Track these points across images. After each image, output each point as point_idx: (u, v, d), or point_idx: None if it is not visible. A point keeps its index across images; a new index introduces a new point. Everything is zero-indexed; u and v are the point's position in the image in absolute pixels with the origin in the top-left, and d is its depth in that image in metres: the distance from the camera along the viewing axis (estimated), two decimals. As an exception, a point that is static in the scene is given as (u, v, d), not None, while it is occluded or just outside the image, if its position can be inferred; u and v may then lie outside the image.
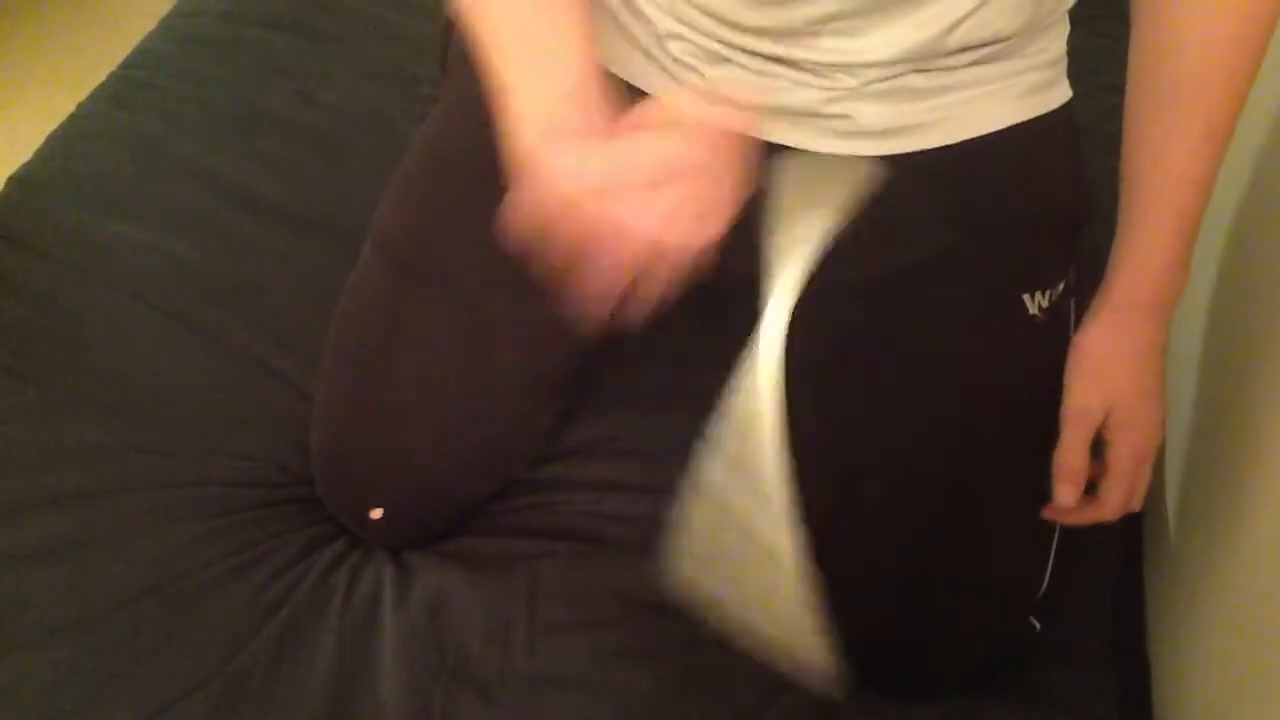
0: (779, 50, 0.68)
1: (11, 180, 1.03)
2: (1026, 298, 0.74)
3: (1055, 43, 0.74)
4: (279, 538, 0.81)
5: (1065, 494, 0.72)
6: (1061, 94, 0.75)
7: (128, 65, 1.18)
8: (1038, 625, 0.78)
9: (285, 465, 0.85)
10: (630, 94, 0.73)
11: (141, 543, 0.79)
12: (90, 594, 0.75)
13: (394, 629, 0.76)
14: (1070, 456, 0.72)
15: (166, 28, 1.24)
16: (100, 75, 1.16)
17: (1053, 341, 0.75)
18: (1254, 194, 0.82)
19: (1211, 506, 0.78)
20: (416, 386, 0.79)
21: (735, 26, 0.67)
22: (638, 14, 0.72)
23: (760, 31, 0.67)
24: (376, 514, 0.80)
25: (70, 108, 1.12)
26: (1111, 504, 0.72)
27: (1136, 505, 0.73)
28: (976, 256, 0.74)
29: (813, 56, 0.68)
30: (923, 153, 0.72)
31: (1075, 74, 0.81)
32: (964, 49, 0.68)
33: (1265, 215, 0.79)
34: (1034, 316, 0.74)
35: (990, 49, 0.69)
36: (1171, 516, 0.86)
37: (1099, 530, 0.85)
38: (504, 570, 0.80)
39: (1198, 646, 0.75)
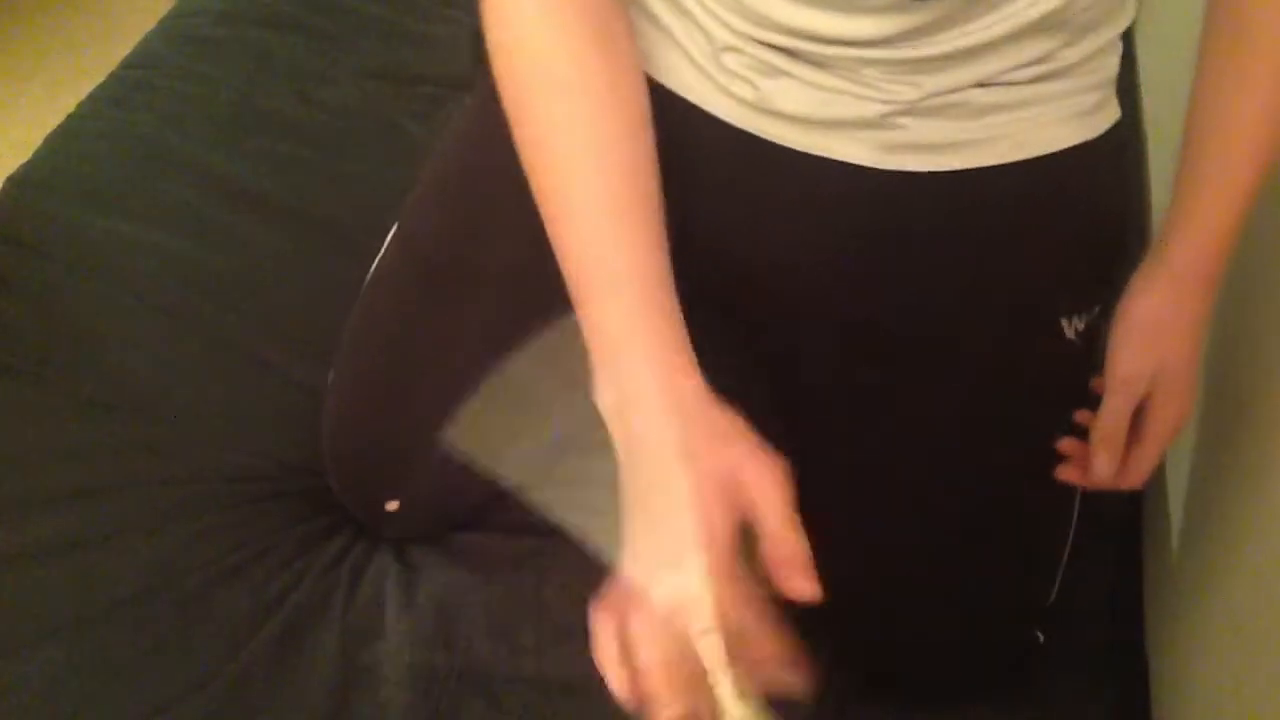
0: (860, 54, 0.66)
1: (11, 180, 1.03)
2: (1064, 321, 0.73)
3: (1111, 60, 0.73)
4: (280, 533, 0.81)
5: (1105, 463, 0.70)
6: (1112, 113, 0.74)
7: (128, 65, 1.18)
8: (1042, 637, 0.77)
9: (285, 460, 0.85)
10: (675, 101, 0.72)
11: (141, 541, 0.79)
12: (90, 594, 0.75)
13: (400, 627, 0.76)
14: (1114, 424, 0.70)
15: (166, 28, 1.24)
16: (100, 75, 1.16)
17: (1084, 364, 0.74)
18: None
19: (1214, 513, 0.78)
20: (440, 383, 0.78)
21: (819, 38, 0.66)
22: (692, 26, 0.70)
23: (849, 42, 0.65)
24: (392, 506, 0.80)
25: (70, 108, 1.12)
26: (1141, 473, 0.71)
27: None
28: (1019, 279, 0.73)
29: (895, 56, 0.66)
30: (974, 171, 0.71)
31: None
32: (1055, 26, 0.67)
33: (1268, 223, 0.79)
34: (1070, 341, 0.73)
35: (1052, 66, 0.68)
36: (1174, 521, 0.86)
37: (1101, 538, 0.85)
38: (512, 570, 0.80)
39: (1197, 652, 0.75)
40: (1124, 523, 0.89)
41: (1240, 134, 0.67)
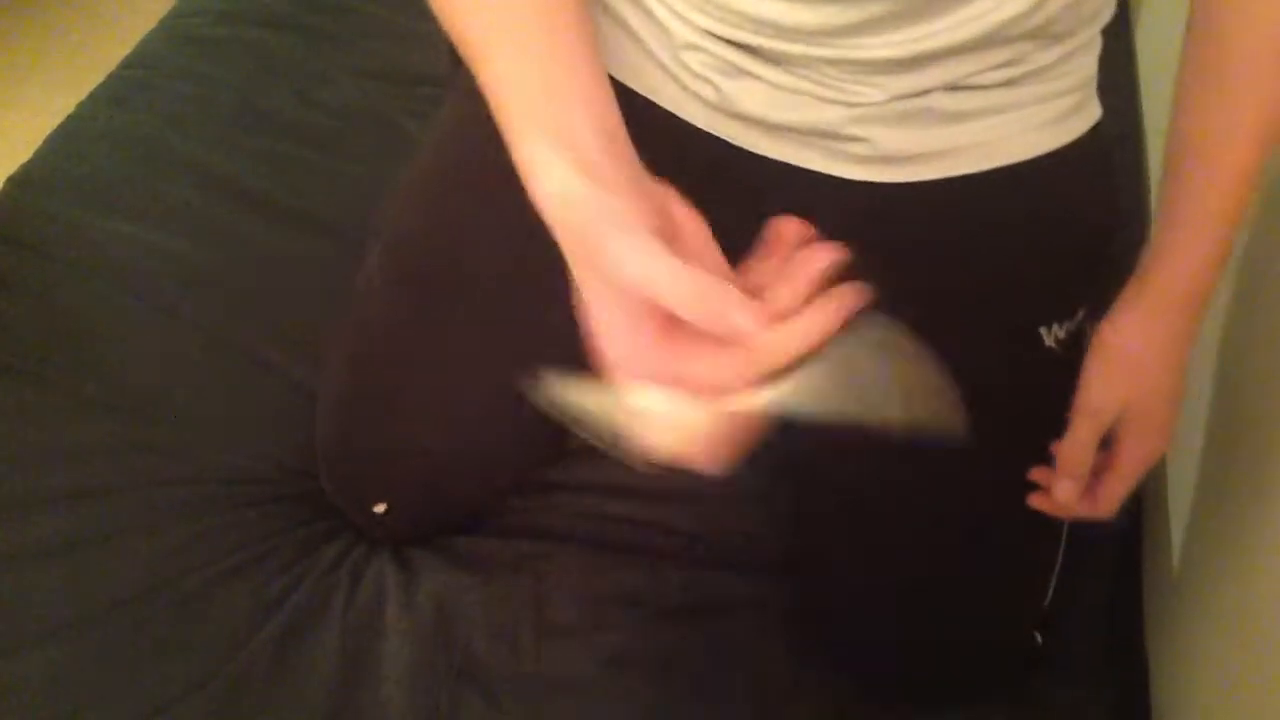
0: (822, 52, 0.65)
1: (11, 180, 1.03)
2: (1044, 330, 0.72)
3: (1088, 60, 0.71)
4: (279, 535, 0.81)
5: (1067, 491, 0.69)
6: (1091, 114, 0.73)
7: (127, 65, 1.18)
8: (1040, 638, 0.77)
9: (285, 463, 0.85)
10: (641, 105, 0.72)
11: (141, 542, 0.79)
12: (90, 594, 0.75)
13: (399, 628, 0.76)
14: (1078, 453, 0.69)
15: (166, 28, 1.24)
16: (100, 75, 1.16)
17: (1068, 371, 0.73)
18: (1261, 215, 0.82)
19: (1214, 516, 0.78)
20: (428, 388, 0.79)
21: (781, 31, 0.65)
22: (654, 24, 0.70)
23: (811, 33, 0.64)
24: (380, 508, 0.80)
25: (70, 108, 1.12)
26: (1111, 503, 0.70)
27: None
28: (994, 289, 0.71)
29: (858, 55, 0.64)
30: (943, 180, 0.70)
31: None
32: (1023, 36, 0.65)
33: (1267, 223, 0.79)
34: (1050, 349, 0.72)
35: (1023, 69, 0.67)
36: (1173, 525, 0.86)
37: (1100, 543, 0.85)
38: (511, 572, 0.80)
39: (1196, 657, 0.75)
40: (1124, 527, 0.89)
41: (1223, 160, 0.66)
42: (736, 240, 0.73)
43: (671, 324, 0.49)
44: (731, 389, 0.48)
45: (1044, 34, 0.66)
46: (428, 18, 1.35)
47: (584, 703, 0.74)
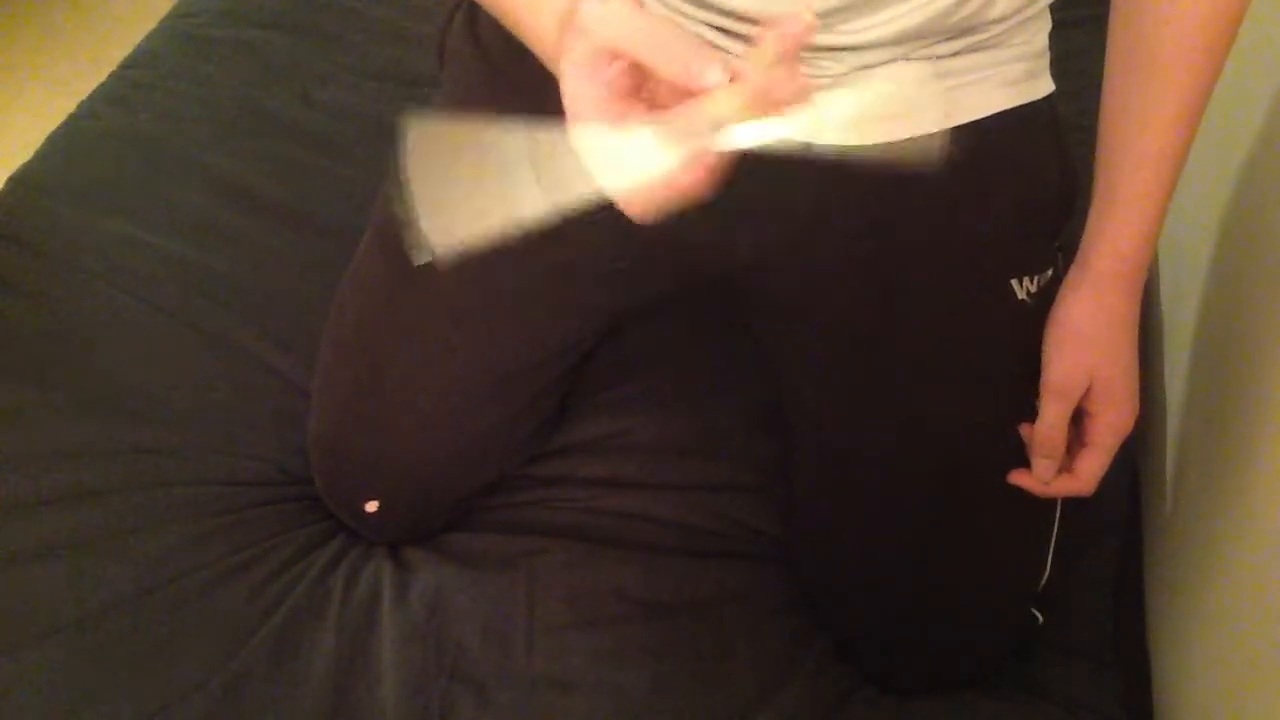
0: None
1: (11, 180, 1.03)
2: (1014, 283, 0.74)
3: (1038, 35, 0.74)
4: (278, 537, 0.81)
5: (1044, 469, 0.72)
6: (1045, 86, 0.76)
7: (128, 65, 1.18)
8: (1040, 617, 0.78)
9: (284, 465, 0.85)
10: None
11: (141, 542, 0.79)
12: (90, 594, 0.76)
13: (393, 628, 0.76)
14: (1051, 431, 0.72)
15: (166, 28, 1.24)
16: (100, 75, 1.16)
17: (1041, 326, 0.75)
18: (1254, 180, 0.82)
19: (1212, 502, 0.78)
20: (408, 378, 0.79)
21: (733, 15, 0.67)
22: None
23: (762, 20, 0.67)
24: (371, 506, 0.80)
25: (70, 108, 1.12)
26: (1089, 477, 0.72)
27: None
28: (964, 242, 0.74)
29: (818, 41, 0.67)
30: (906, 141, 0.71)
31: (1073, 73, 0.81)
32: (961, 31, 0.68)
33: (1267, 199, 0.79)
34: (1022, 301, 0.74)
35: (977, 38, 0.70)
36: (1170, 512, 0.86)
37: (1099, 527, 0.85)
38: (503, 569, 0.80)
39: (1198, 642, 0.76)
40: (1126, 515, 0.90)
41: (1150, 142, 0.69)
42: (709, 217, 0.74)
43: (638, 91, 0.50)
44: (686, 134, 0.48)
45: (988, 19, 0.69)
46: (428, 19, 1.36)
47: (575, 698, 0.74)
